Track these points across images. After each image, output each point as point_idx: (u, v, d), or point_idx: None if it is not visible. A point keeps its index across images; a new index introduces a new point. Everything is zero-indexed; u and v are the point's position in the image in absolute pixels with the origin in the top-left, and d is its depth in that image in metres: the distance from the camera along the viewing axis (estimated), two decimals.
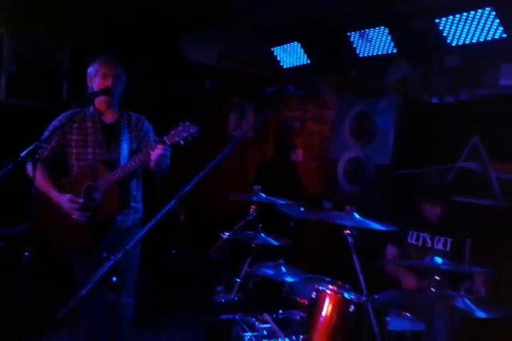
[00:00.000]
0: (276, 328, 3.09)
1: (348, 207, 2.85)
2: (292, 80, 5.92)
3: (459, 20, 4.00)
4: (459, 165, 4.30)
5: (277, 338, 3.06)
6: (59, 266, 3.48)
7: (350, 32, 4.89)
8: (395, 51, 4.65)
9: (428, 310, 2.82)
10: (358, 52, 4.94)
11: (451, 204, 3.60)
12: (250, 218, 3.56)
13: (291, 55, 5.70)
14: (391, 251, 3.79)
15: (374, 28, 4.66)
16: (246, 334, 3.03)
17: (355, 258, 2.67)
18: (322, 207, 5.43)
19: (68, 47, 5.17)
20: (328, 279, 3.49)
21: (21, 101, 5.00)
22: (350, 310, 2.74)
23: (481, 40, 3.97)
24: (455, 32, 4.08)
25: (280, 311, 3.29)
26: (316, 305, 2.87)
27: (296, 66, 5.72)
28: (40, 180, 3.19)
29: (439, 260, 2.66)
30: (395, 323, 2.94)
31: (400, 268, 3.66)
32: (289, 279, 3.31)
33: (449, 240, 3.50)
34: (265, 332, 3.09)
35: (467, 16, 3.94)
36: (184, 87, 5.80)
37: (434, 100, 4.57)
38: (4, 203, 4.36)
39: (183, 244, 5.32)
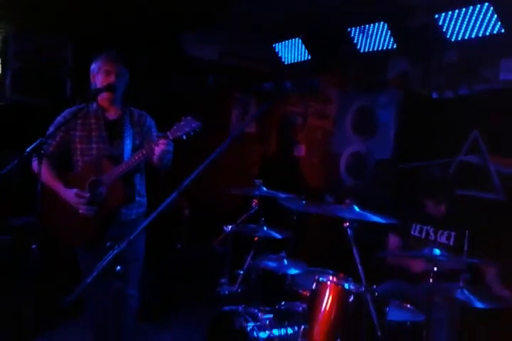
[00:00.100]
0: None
1: (347, 201, 2.90)
2: (293, 76, 5.97)
3: (458, 16, 4.04)
4: (459, 159, 4.34)
5: (279, 328, 3.13)
6: (65, 259, 3.54)
7: (350, 28, 4.92)
8: (394, 46, 4.68)
9: (428, 301, 2.88)
10: (358, 47, 4.97)
11: (454, 200, 3.63)
12: (252, 212, 3.62)
13: (292, 51, 5.73)
14: (393, 241, 3.80)
15: (374, 23, 4.70)
16: (249, 324, 3.08)
17: (354, 250, 2.73)
18: (324, 201, 5.48)
19: (71, 44, 5.22)
20: (330, 272, 3.53)
21: (26, 99, 5.06)
22: (350, 300, 2.80)
23: (480, 35, 4.00)
24: (454, 27, 4.11)
25: (283, 303, 3.34)
26: (316, 296, 2.92)
27: (298, 62, 5.75)
28: (46, 175, 3.23)
29: (437, 251, 2.72)
30: (396, 314, 2.99)
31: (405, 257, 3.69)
32: (291, 271, 3.37)
33: (453, 234, 3.52)
34: (267, 323, 3.15)
35: (466, 12, 3.98)
36: (186, 83, 5.85)
37: (434, 95, 4.61)
38: (10, 198, 4.43)
39: (188, 238, 5.39)
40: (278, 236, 3.61)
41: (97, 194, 3.24)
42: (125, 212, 3.35)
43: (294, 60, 5.79)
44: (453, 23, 4.11)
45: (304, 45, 5.56)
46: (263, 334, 3.05)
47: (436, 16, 4.16)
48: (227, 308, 3.32)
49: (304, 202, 3.65)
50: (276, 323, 3.18)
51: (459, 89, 4.41)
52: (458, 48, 4.36)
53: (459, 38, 4.15)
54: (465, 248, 2.88)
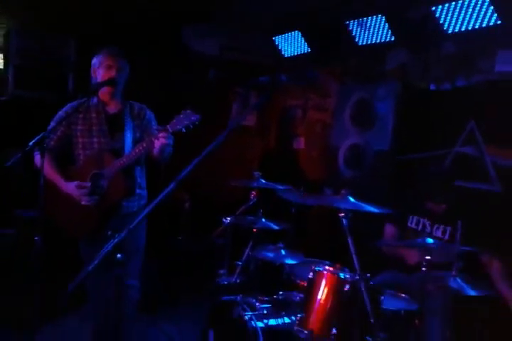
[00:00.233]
0: None
1: (343, 191, 2.95)
2: (291, 69, 6.01)
3: (455, 8, 4.06)
4: (456, 150, 4.37)
5: (276, 317, 3.19)
6: (67, 251, 3.60)
7: (348, 21, 4.96)
8: (392, 39, 4.72)
9: (421, 290, 2.94)
10: (356, 40, 5.01)
11: (454, 200, 3.64)
12: (251, 203, 3.66)
13: (292, 44, 5.79)
14: (389, 230, 3.83)
15: (371, 16, 4.73)
16: (247, 313, 3.12)
17: (349, 239, 2.78)
18: (323, 193, 5.52)
19: (73, 39, 5.27)
20: (327, 262, 3.58)
21: (27, 94, 5.11)
22: (345, 289, 2.85)
23: (476, 27, 4.03)
24: (451, 19, 4.14)
25: (280, 293, 3.39)
26: (312, 285, 2.97)
27: (297, 55, 5.80)
28: (48, 169, 3.28)
29: (430, 240, 2.78)
30: (390, 303, 3.05)
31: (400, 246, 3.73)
32: (289, 261, 3.42)
33: (448, 229, 3.55)
34: (265, 312, 3.21)
35: (462, 4, 4.00)
36: (187, 77, 5.89)
37: (432, 87, 4.64)
38: (14, 191, 4.50)
39: (188, 230, 5.46)
40: (276, 227, 3.67)
41: (98, 186, 3.29)
42: (126, 205, 3.40)
43: (294, 52, 5.84)
44: (450, 15, 4.14)
45: (303, 38, 5.60)
46: (260, 324, 3.09)
47: (433, 8, 4.19)
48: (226, 298, 3.36)
49: (301, 193, 3.70)
50: (274, 313, 3.23)
51: (456, 81, 4.44)
52: (455, 40, 4.38)
53: (456, 30, 4.18)
54: (457, 237, 2.93)
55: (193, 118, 3.10)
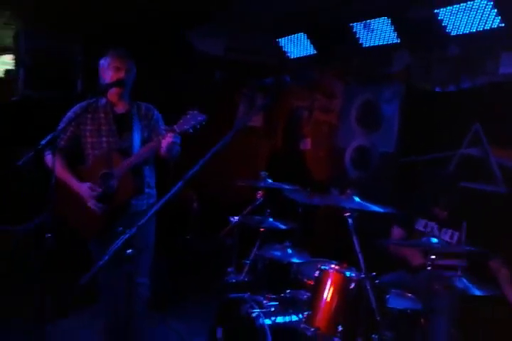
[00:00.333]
0: None
1: (348, 191, 2.99)
2: (294, 70, 6.05)
3: (458, 11, 4.09)
4: (461, 152, 4.40)
5: (283, 315, 3.23)
6: (78, 249, 3.65)
7: (353, 23, 4.99)
8: (397, 41, 4.75)
9: (427, 289, 2.97)
10: (361, 42, 5.04)
11: (458, 205, 3.67)
12: (258, 203, 3.71)
13: (297, 46, 5.81)
14: (397, 233, 3.87)
15: (376, 18, 4.77)
16: (254, 311, 3.17)
17: (354, 239, 2.82)
18: (330, 193, 5.55)
19: (82, 40, 5.32)
20: (333, 262, 3.62)
21: (37, 94, 5.17)
22: (351, 287, 2.89)
23: (480, 29, 4.05)
24: (454, 22, 4.16)
25: (288, 291, 3.44)
26: (319, 284, 3.02)
27: (303, 56, 5.83)
28: (59, 169, 3.33)
29: (434, 240, 2.81)
30: (397, 302, 3.09)
31: (405, 248, 3.77)
32: (295, 260, 3.46)
33: (456, 234, 3.57)
34: (272, 310, 3.25)
35: (465, 6, 4.03)
36: (192, 78, 5.93)
37: (437, 89, 4.67)
38: (25, 191, 4.55)
39: (196, 229, 5.51)
40: (283, 227, 3.71)
41: (108, 186, 3.34)
42: (135, 203, 3.45)
43: (299, 54, 5.87)
44: (453, 17, 4.16)
45: (308, 40, 5.63)
46: (268, 321, 3.13)
47: (437, 11, 4.21)
48: (234, 296, 3.42)
49: (308, 193, 3.74)
50: (281, 310, 3.27)
51: (461, 83, 4.47)
52: (459, 42, 4.41)
53: (460, 32, 4.20)
54: (462, 237, 2.97)
55: (199, 118, 3.16)
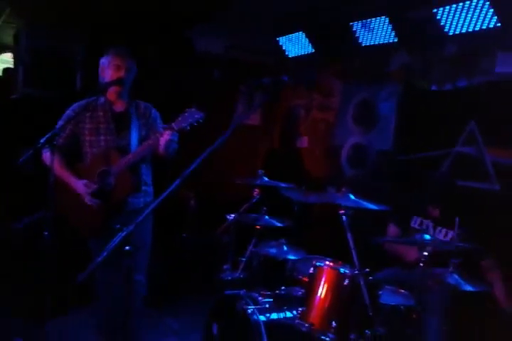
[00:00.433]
0: None
1: (343, 189, 3.03)
2: (293, 69, 6.08)
3: (455, 10, 4.13)
4: (456, 150, 4.43)
5: (278, 311, 3.27)
6: (76, 246, 3.69)
7: (352, 22, 5.02)
8: (395, 40, 4.78)
9: (420, 285, 3.01)
10: (360, 41, 5.07)
11: (450, 204, 3.69)
12: (254, 201, 3.74)
13: (296, 45, 5.85)
14: (392, 230, 3.90)
15: (375, 17, 4.80)
16: (249, 307, 3.21)
17: (348, 236, 2.86)
18: (326, 191, 5.59)
19: (81, 39, 5.35)
20: (328, 259, 3.66)
21: (37, 92, 5.19)
22: (345, 283, 2.93)
23: (477, 29, 4.09)
24: (452, 21, 4.20)
25: (282, 288, 3.49)
26: (313, 280, 3.06)
27: (301, 55, 5.87)
28: (57, 167, 3.32)
29: (427, 236, 2.85)
30: (390, 298, 3.12)
31: (399, 245, 3.80)
32: (290, 257, 3.50)
33: (451, 233, 3.59)
34: (267, 306, 3.29)
35: (463, 6, 4.07)
36: (192, 76, 5.96)
37: (434, 87, 4.70)
38: (23, 189, 4.58)
39: (193, 227, 5.54)
40: (279, 224, 3.74)
41: (106, 183, 3.37)
42: (132, 201, 3.48)
43: (298, 53, 5.90)
44: (451, 17, 4.19)
45: (307, 39, 5.66)
46: (263, 317, 3.17)
47: (435, 11, 4.25)
48: (229, 292, 3.45)
49: (303, 191, 3.78)
50: (276, 307, 3.31)
51: (458, 82, 4.50)
52: (456, 42, 4.44)
53: (457, 32, 4.24)
54: (456, 233, 3.00)
55: (197, 116, 3.19)
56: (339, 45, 5.42)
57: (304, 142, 6.26)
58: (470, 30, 4.15)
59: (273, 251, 3.57)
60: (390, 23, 4.74)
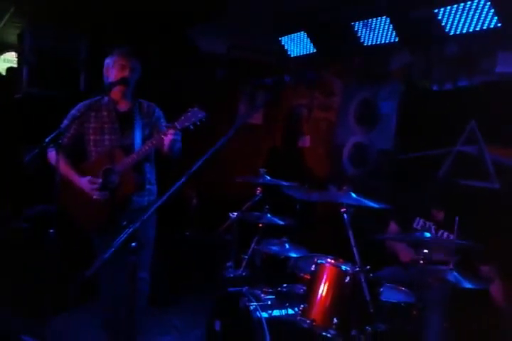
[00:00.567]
0: None
1: (344, 187, 3.06)
2: (294, 69, 6.11)
3: (456, 10, 4.15)
4: (457, 149, 4.46)
5: (280, 308, 3.31)
6: (80, 244, 3.73)
7: (354, 22, 5.05)
8: (396, 40, 4.80)
9: (420, 282, 3.05)
10: (362, 41, 5.10)
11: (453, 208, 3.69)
12: (256, 199, 3.78)
13: (298, 44, 5.87)
14: (393, 228, 3.92)
15: (376, 17, 4.83)
16: (252, 304, 3.24)
17: (350, 233, 2.90)
18: (328, 190, 5.62)
19: (85, 39, 5.38)
20: (330, 257, 3.69)
21: (41, 91, 5.23)
22: (346, 280, 2.96)
23: (478, 29, 4.11)
24: (453, 21, 4.23)
25: (284, 285, 3.51)
26: (315, 277, 3.08)
27: (303, 55, 5.90)
28: (62, 165, 3.35)
29: (427, 234, 2.89)
30: (390, 295, 3.16)
31: (398, 243, 3.82)
32: (292, 255, 3.54)
33: (451, 237, 3.58)
34: (269, 303, 3.33)
35: (464, 6, 4.09)
36: (195, 76, 5.99)
37: (434, 87, 4.73)
38: (28, 187, 4.62)
39: (196, 225, 5.58)
40: (281, 222, 3.78)
41: (110, 181, 3.41)
42: (136, 199, 3.52)
43: (300, 52, 5.93)
44: (452, 17, 4.22)
45: (309, 39, 5.69)
46: (265, 314, 3.20)
47: (436, 11, 4.27)
48: (232, 290, 3.48)
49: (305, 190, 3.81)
50: (278, 304, 3.34)
51: (458, 81, 4.53)
52: (457, 42, 4.47)
53: (458, 32, 4.27)
54: (455, 232, 3.02)
55: (199, 115, 3.23)
56: (340, 44, 5.44)
57: (306, 141, 6.29)
58: (471, 30, 4.17)
59: (275, 248, 3.61)
60: (391, 23, 4.76)
